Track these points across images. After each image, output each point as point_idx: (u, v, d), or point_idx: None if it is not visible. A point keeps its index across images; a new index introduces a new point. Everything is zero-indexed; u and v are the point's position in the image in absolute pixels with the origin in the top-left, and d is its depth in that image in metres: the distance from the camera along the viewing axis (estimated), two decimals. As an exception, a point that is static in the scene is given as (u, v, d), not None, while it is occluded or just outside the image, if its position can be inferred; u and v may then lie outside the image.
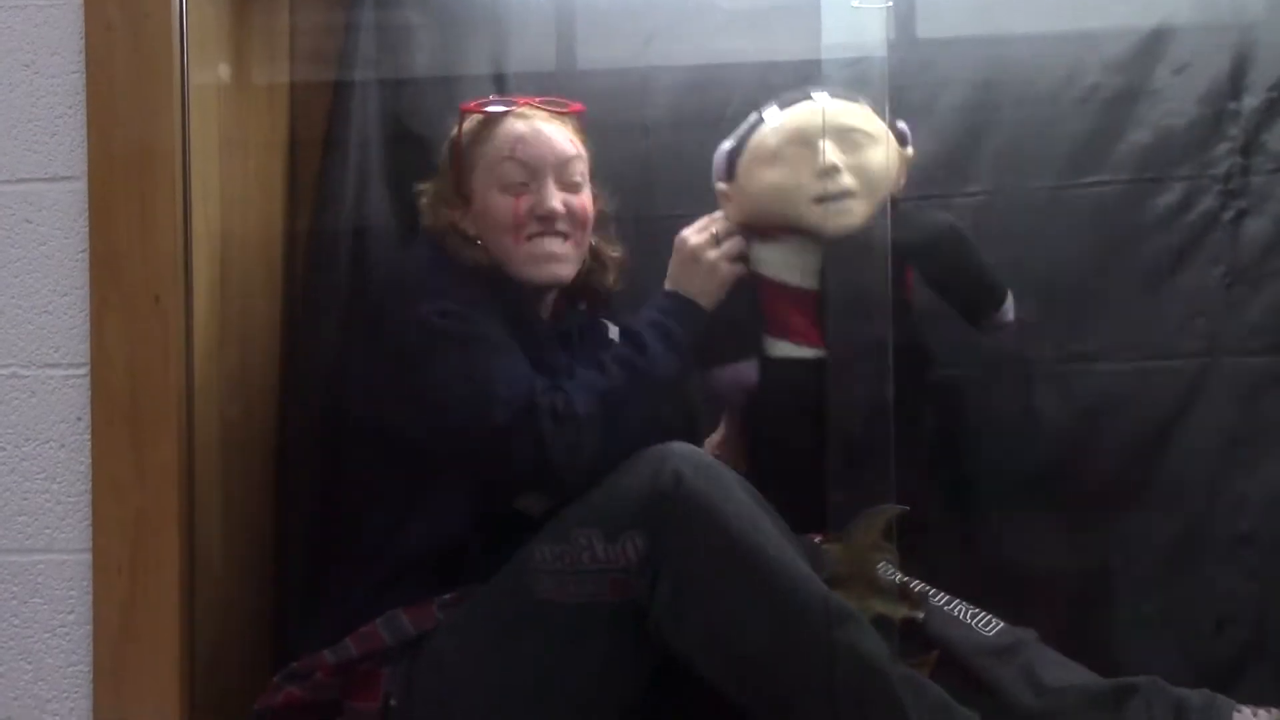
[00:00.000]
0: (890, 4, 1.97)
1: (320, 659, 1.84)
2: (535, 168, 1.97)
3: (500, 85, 2.32)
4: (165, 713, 1.78)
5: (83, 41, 1.82)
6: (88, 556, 1.80)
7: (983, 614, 1.91)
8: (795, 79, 2.11)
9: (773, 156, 1.98)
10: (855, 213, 1.94)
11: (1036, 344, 2.15)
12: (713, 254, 1.98)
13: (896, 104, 2.02)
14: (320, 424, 2.19)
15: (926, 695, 1.72)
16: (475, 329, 1.87)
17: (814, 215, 1.95)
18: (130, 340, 1.79)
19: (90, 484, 1.80)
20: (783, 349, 1.99)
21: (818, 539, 1.86)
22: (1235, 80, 2.20)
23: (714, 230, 1.99)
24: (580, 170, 2.01)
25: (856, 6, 1.89)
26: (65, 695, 1.81)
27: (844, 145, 1.96)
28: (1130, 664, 1.98)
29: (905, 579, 1.85)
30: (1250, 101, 2.18)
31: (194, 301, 1.85)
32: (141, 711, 1.78)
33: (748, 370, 2.00)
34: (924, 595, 1.84)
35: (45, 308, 1.82)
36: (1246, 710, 1.74)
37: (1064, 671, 1.85)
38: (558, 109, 2.03)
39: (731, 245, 1.99)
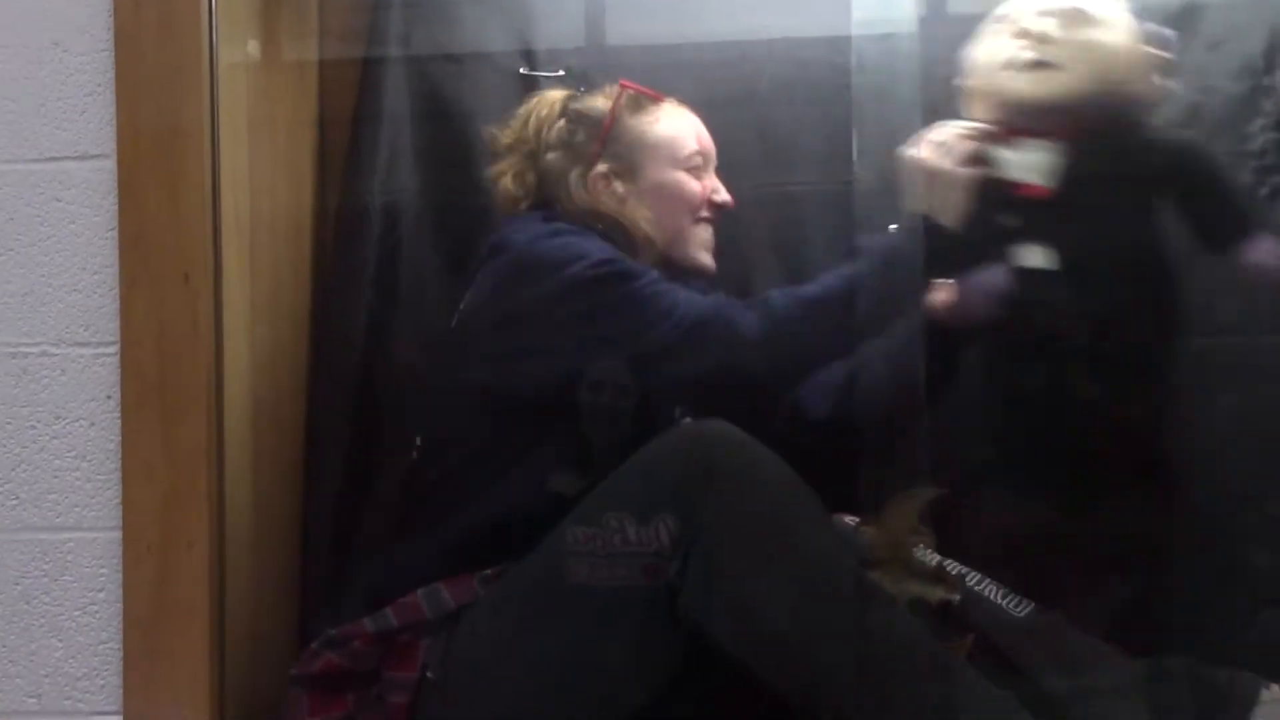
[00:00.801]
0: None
1: (360, 627, 1.84)
2: (708, 158, 2.07)
3: (529, 61, 2.32)
4: (196, 690, 1.79)
5: (111, 19, 1.82)
6: (118, 534, 1.80)
7: (1013, 595, 1.90)
8: (825, 54, 2.11)
9: (992, 36, 1.98)
10: (1054, 81, 1.91)
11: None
12: (947, 163, 1.94)
13: (928, 80, 2.01)
14: (351, 400, 2.22)
15: (960, 678, 1.72)
16: (637, 267, 1.93)
17: (1009, 81, 1.94)
18: (160, 319, 1.79)
19: (120, 462, 1.80)
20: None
21: (850, 520, 1.87)
22: (1269, 56, 2.18)
23: (945, 138, 1.95)
24: None
25: (888, -18, 1.88)
26: (95, 673, 1.82)
27: (1064, 22, 1.92)
28: (1166, 646, 1.97)
29: (941, 561, 1.85)
30: (1285, 77, 2.17)
31: (223, 280, 1.85)
32: (172, 689, 1.79)
33: (996, 278, 1.95)
34: (960, 578, 1.83)
35: (75, 286, 1.83)
36: (1276, 688, 1.73)
37: (1094, 654, 1.84)
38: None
39: (965, 149, 1.94)
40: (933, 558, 1.83)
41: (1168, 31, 1.97)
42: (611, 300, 1.89)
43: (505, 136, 2.12)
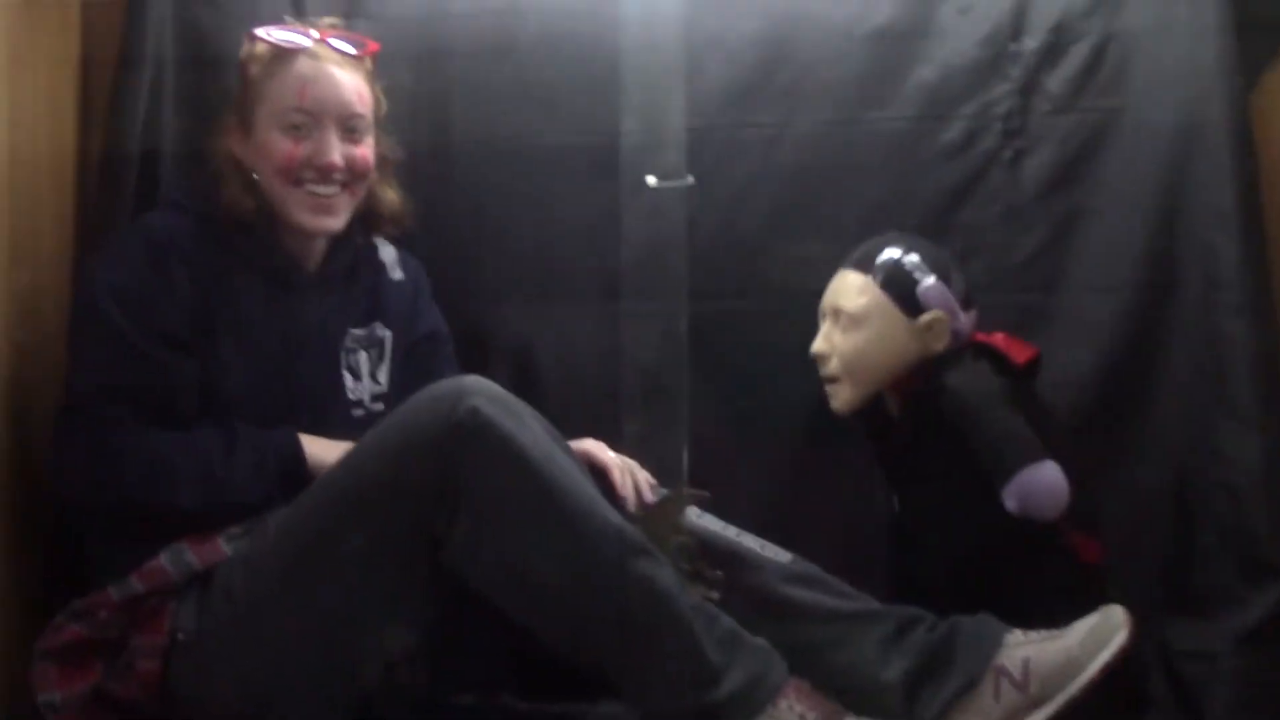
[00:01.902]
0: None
1: (104, 596, 1.83)
2: (318, 116, 1.97)
3: (298, 5, 2.30)
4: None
5: None
6: None
7: (771, 545, 1.97)
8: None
9: None
10: (839, 397, 2.11)
11: (823, 276, 2.15)
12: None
13: (691, 34, 2.06)
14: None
15: (718, 625, 1.76)
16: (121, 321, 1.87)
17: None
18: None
19: None
20: None
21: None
22: (1016, 22, 2.26)
23: None
24: (365, 120, 2.01)
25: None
26: None
27: (836, 325, 2.09)
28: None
29: (702, 563, 1.89)
30: (1030, 43, 2.25)
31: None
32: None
33: None
34: (718, 579, 1.88)
35: None
36: (1018, 632, 1.82)
37: (850, 600, 1.91)
38: (352, 51, 2.02)
39: None
40: (693, 558, 1.88)
41: (928, 282, 2.05)
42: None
43: None
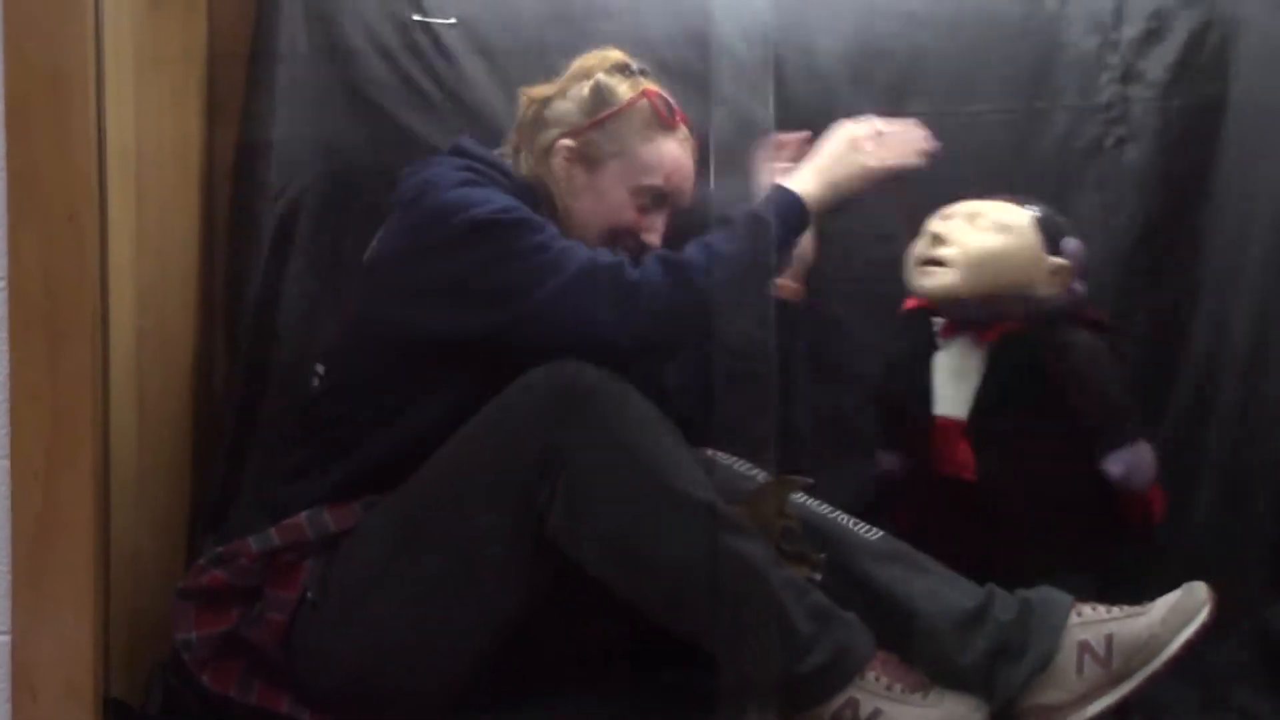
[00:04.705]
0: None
1: (245, 545, 1.90)
2: (669, 200, 2.08)
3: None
4: (81, 608, 1.84)
5: (-4, -40, 1.83)
6: (5, 463, 1.85)
7: (863, 523, 1.99)
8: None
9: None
10: (941, 279, 2.03)
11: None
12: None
13: (784, 27, 2.12)
14: (248, 329, 2.28)
15: (809, 598, 1.81)
16: (528, 214, 1.94)
17: (912, 275, 2.07)
18: (47, 256, 1.83)
19: (8, 392, 1.84)
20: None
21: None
22: (1117, 11, 2.27)
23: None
24: None
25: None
26: (-15, 595, 1.87)
27: (961, 224, 2.04)
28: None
29: (805, 544, 1.91)
30: (1129, 31, 2.26)
31: (109, 217, 1.88)
32: (59, 610, 1.84)
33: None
34: (820, 561, 1.90)
35: (-39, 224, 1.85)
36: (1101, 608, 1.83)
37: (934, 577, 1.92)
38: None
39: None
40: (796, 540, 1.91)
41: (1073, 240, 2.05)
42: (511, 247, 1.90)
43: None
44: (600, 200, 2.06)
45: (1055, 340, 2.00)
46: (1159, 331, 2.24)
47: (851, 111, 2.07)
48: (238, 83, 2.35)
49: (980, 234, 2.03)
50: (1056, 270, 2.03)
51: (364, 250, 2.07)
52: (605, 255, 1.92)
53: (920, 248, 2.07)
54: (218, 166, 2.34)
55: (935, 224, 2.06)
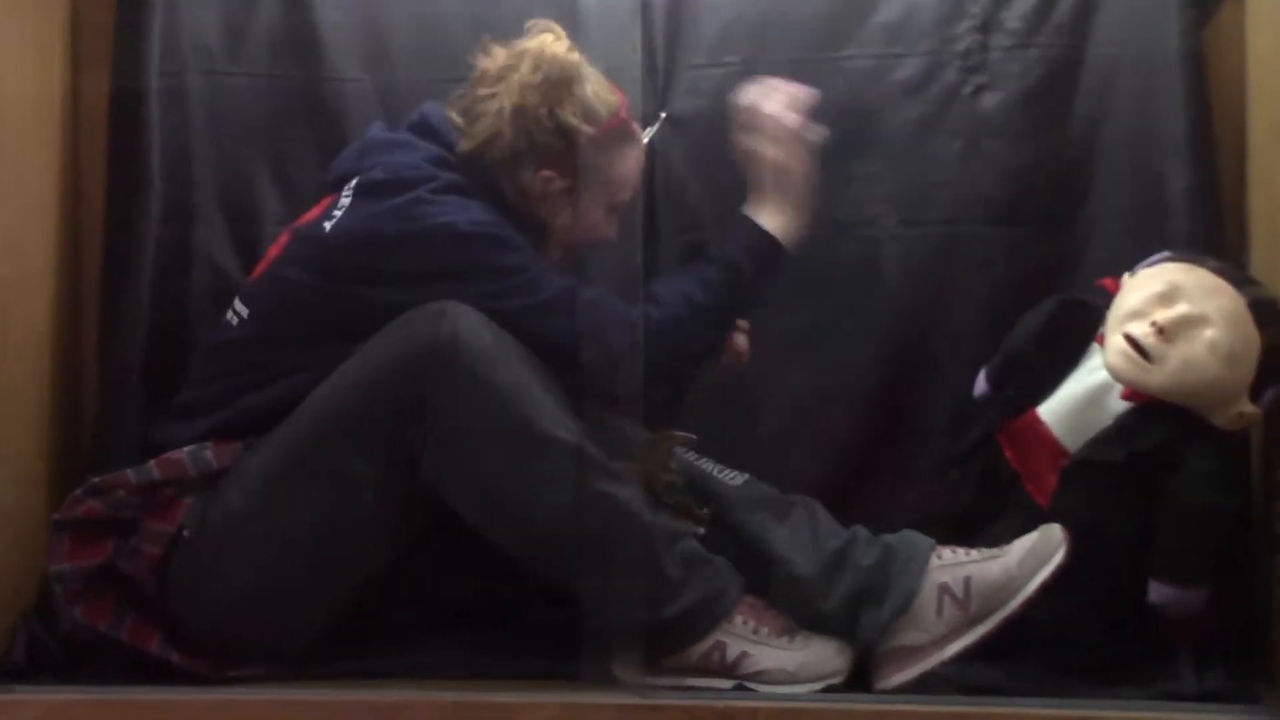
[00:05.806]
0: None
1: (124, 477, 1.91)
2: (626, 205, 2.09)
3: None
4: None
5: None
6: None
7: (728, 469, 2.04)
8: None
9: (1138, 293, 1.93)
10: (1140, 377, 1.88)
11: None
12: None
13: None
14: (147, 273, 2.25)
15: (680, 544, 1.85)
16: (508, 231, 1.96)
17: (1114, 342, 1.91)
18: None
19: None
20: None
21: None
22: (977, -42, 2.28)
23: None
24: None
25: None
26: None
27: (1194, 329, 1.87)
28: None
29: (688, 499, 1.96)
30: (989, -20, 2.27)
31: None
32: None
33: None
34: (704, 516, 1.95)
35: None
36: (960, 551, 1.88)
37: (792, 527, 1.95)
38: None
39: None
40: (680, 495, 1.95)
41: (1273, 391, 1.91)
42: (491, 263, 1.92)
43: (499, 68, 2.07)
44: (579, 219, 2.07)
45: (1190, 461, 1.88)
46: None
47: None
48: (105, 26, 2.29)
49: (1205, 354, 1.85)
50: (1244, 416, 1.88)
51: (276, 195, 2.22)
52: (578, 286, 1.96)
53: (1133, 325, 1.89)
54: (84, 113, 2.30)
55: (1159, 307, 1.89)
